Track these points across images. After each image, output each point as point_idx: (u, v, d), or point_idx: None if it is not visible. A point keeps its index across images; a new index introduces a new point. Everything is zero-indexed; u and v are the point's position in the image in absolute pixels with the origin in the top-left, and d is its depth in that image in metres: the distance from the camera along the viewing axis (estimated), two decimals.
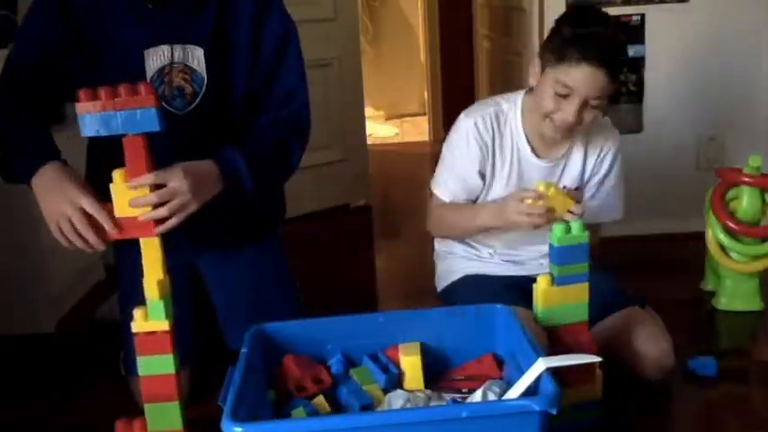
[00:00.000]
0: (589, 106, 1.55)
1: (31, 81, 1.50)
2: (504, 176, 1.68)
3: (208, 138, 1.56)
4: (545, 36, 2.44)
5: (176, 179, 1.34)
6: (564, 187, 1.63)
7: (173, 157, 1.51)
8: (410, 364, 1.42)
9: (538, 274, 1.48)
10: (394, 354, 1.44)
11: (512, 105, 1.68)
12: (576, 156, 1.70)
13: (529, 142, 1.66)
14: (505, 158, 1.67)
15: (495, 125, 1.66)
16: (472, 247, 1.81)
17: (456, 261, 1.82)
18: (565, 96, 1.54)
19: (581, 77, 1.51)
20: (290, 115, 1.62)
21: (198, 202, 1.38)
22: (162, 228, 1.31)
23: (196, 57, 1.55)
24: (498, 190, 1.69)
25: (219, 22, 1.56)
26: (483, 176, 1.69)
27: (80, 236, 1.32)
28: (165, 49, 1.53)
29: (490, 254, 1.80)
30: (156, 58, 1.53)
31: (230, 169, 1.47)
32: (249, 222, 1.72)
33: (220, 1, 1.55)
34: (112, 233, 1.30)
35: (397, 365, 1.43)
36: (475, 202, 1.74)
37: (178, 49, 1.53)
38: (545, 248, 1.71)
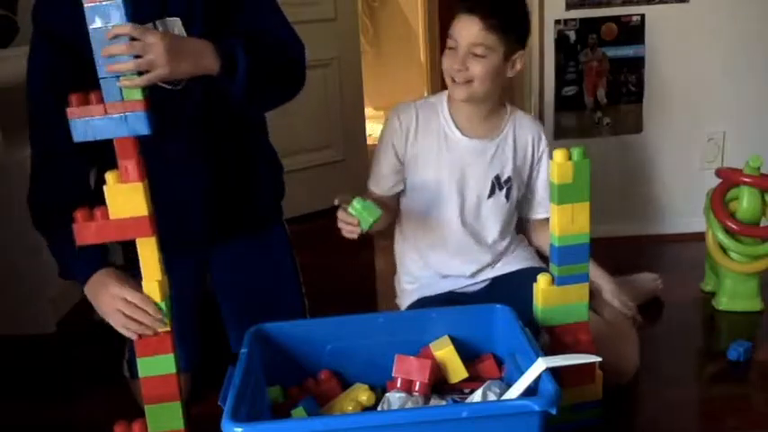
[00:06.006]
0: (472, 56, 1.61)
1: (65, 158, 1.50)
2: (433, 158, 1.72)
3: (213, 104, 1.56)
4: (545, 36, 2.47)
5: (153, 36, 1.29)
6: None
7: (184, 127, 1.50)
8: (446, 356, 1.42)
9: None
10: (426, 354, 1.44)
11: (439, 97, 1.77)
12: (508, 142, 1.74)
13: (457, 126, 1.72)
14: (432, 141, 1.72)
15: (417, 114, 1.73)
16: (413, 275, 1.82)
17: (407, 288, 1.83)
18: (454, 49, 1.64)
19: (458, 26, 1.62)
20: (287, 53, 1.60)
21: (171, 68, 1.31)
22: (125, 83, 1.23)
23: (176, 28, 1.50)
24: (430, 171, 1.73)
25: None
26: (402, 161, 1.75)
27: (135, 320, 1.35)
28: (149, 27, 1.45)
29: (429, 275, 1.79)
30: None
31: (227, 48, 1.42)
32: (254, 201, 1.75)
33: None
34: (157, 317, 1.33)
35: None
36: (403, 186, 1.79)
37: (159, 26, 1.48)
38: (472, 268, 1.75)
